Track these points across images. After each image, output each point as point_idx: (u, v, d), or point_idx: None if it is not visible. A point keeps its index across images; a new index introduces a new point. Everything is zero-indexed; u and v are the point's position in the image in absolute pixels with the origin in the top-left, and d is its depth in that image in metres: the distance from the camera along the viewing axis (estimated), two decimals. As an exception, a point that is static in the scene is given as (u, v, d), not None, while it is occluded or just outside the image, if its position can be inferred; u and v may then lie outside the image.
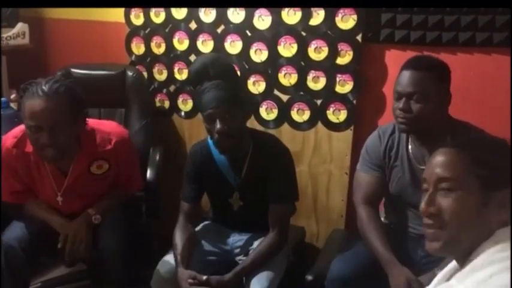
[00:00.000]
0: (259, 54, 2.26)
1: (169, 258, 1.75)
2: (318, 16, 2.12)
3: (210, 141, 1.74)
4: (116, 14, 2.52)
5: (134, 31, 2.51)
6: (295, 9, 2.14)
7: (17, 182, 1.82)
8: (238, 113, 1.64)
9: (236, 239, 1.86)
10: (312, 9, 2.11)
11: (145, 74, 2.53)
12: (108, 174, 1.85)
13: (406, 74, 1.55)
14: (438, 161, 0.97)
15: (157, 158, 2.25)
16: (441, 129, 1.57)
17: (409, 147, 1.66)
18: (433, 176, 0.97)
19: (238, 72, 2.22)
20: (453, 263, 1.02)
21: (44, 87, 1.59)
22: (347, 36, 2.09)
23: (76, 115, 1.66)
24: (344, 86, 2.15)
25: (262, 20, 2.21)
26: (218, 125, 1.59)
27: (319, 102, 2.22)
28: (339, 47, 2.12)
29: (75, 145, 1.74)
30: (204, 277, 1.60)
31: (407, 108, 1.53)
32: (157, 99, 2.54)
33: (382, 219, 1.80)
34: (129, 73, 2.34)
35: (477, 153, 0.94)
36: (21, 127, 1.73)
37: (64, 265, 1.82)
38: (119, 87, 2.32)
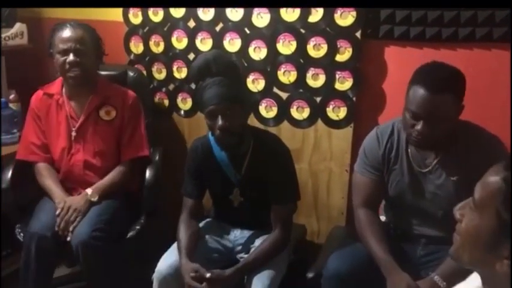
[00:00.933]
0: (258, 52, 2.25)
1: (171, 254, 1.75)
2: (316, 13, 2.11)
3: (210, 137, 1.74)
4: (114, 13, 2.51)
5: (133, 30, 2.50)
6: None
7: (36, 131, 2.05)
8: (240, 110, 1.64)
9: (238, 237, 1.86)
10: (311, 6, 2.11)
11: (144, 73, 2.52)
12: (114, 123, 2.05)
13: (425, 96, 1.43)
14: (485, 180, 0.90)
15: (157, 157, 2.25)
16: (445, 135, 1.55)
17: (409, 150, 1.64)
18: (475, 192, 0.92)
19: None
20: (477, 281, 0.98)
21: (72, 23, 1.99)
22: (346, 33, 2.09)
23: (96, 49, 2.03)
24: (343, 83, 2.15)
25: (261, 17, 2.21)
26: (220, 122, 1.60)
27: (318, 99, 2.21)
28: (338, 43, 2.11)
29: (93, 81, 2.05)
30: (208, 275, 1.59)
31: (426, 130, 1.46)
32: (156, 98, 2.54)
33: (382, 218, 1.80)
34: (130, 73, 2.34)
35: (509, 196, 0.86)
36: (52, 82, 2.09)
37: (62, 237, 1.87)
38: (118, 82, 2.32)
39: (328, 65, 2.15)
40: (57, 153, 2.04)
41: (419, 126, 1.47)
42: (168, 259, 1.73)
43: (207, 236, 1.84)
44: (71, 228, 1.84)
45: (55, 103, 2.05)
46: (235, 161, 1.76)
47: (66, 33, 1.95)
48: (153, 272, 1.72)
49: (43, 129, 2.06)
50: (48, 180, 2.00)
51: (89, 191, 1.95)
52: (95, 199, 1.93)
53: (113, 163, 2.06)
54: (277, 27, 2.19)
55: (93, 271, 1.86)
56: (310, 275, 1.77)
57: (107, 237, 1.84)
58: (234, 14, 2.25)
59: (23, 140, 2.09)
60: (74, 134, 2.02)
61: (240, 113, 1.65)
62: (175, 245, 1.77)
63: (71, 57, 1.93)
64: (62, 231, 1.85)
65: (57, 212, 1.86)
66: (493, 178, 0.87)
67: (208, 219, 1.95)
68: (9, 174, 2.07)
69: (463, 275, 1.07)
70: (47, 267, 1.90)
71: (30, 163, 2.05)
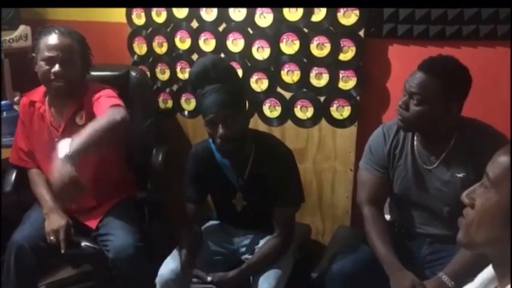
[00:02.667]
0: (261, 51, 2.25)
1: (173, 258, 1.75)
2: (319, 12, 2.11)
3: (211, 143, 1.72)
4: (118, 15, 2.51)
5: (136, 31, 2.51)
6: (297, 5, 2.13)
7: (24, 138, 1.99)
8: (240, 116, 1.62)
9: (242, 238, 1.86)
10: (314, 5, 2.11)
11: (148, 73, 2.53)
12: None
13: (417, 74, 1.52)
14: (497, 159, 0.95)
15: (160, 158, 2.24)
16: (447, 128, 1.55)
17: (415, 146, 1.64)
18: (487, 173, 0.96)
19: (240, 73, 2.23)
20: (488, 272, 1.01)
21: (62, 29, 1.85)
22: (349, 31, 2.08)
23: (84, 59, 1.91)
24: (347, 82, 2.14)
25: (264, 17, 2.21)
26: (220, 130, 1.57)
27: (322, 98, 2.21)
28: (341, 43, 2.10)
29: (78, 90, 1.91)
30: (209, 278, 1.59)
31: (405, 106, 1.52)
32: (160, 99, 2.54)
33: (387, 217, 1.79)
34: (133, 73, 2.33)
35: None
36: (35, 90, 1.98)
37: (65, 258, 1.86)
38: (122, 87, 2.30)
39: (332, 64, 2.14)
40: (42, 161, 1.97)
41: (400, 101, 1.54)
42: (171, 264, 1.72)
43: (210, 239, 1.84)
44: (61, 237, 1.80)
45: (37, 111, 1.96)
46: (238, 165, 1.74)
47: (54, 39, 1.82)
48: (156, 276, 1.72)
49: (28, 136, 2.00)
50: (39, 188, 1.95)
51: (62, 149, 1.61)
52: (73, 149, 1.61)
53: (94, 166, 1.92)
54: (280, 26, 2.19)
55: (129, 282, 1.81)
56: (314, 274, 1.77)
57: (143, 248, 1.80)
58: (237, 14, 2.25)
59: (14, 145, 2.06)
60: (57, 141, 1.78)
61: (240, 119, 1.62)
62: (175, 252, 1.77)
63: (56, 67, 1.80)
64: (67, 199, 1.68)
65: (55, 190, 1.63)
66: (506, 156, 0.92)
67: (211, 222, 1.95)
68: (14, 175, 2.07)
69: (472, 274, 1.08)
70: (27, 278, 1.83)
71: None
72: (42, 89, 1.97)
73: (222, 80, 1.60)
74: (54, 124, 1.94)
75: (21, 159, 2.02)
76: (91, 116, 1.83)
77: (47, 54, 1.81)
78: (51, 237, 1.81)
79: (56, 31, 1.84)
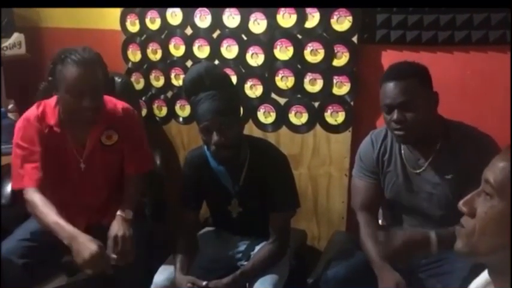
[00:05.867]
0: (255, 58, 2.26)
1: (168, 266, 1.74)
2: (313, 18, 2.12)
3: (206, 149, 1.72)
4: (112, 22, 2.52)
5: (130, 38, 2.51)
6: (291, 12, 2.14)
7: (32, 160, 1.75)
8: (235, 123, 1.62)
9: (238, 245, 1.86)
10: (307, 11, 2.12)
11: (142, 80, 2.53)
12: (118, 147, 1.87)
13: (391, 85, 1.52)
14: (497, 166, 0.91)
15: (158, 162, 2.24)
16: (433, 131, 1.57)
17: (402, 151, 1.65)
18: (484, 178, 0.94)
19: (234, 80, 2.24)
20: (483, 277, 1.00)
21: (82, 54, 1.69)
22: (343, 37, 2.09)
23: (105, 81, 1.78)
24: (341, 87, 2.15)
25: (258, 23, 2.22)
26: (215, 137, 1.57)
27: (316, 104, 2.22)
28: (335, 48, 2.12)
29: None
30: (204, 283, 1.59)
31: (402, 118, 1.51)
32: (155, 106, 2.54)
33: (380, 221, 1.80)
34: (117, 79, 2.33)
35: None
36: (38, 105, 1.82)
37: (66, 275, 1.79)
38: (107, 94, 2.30)
39: (326, 70, 2.15)
40: (54, 185, 1.81)
41: (394, 116, 1.52)
42: (165, 272, 1.72)
43: (206, 246, 1.83)
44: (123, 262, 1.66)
45: (52, 133, 1.79)
46: (233, 172, 1.74)
47: (80, 71, 1.66)
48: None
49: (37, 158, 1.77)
50: (50, 215, 1.64)
51: (121, 213, 1.76)
52: (130, 217, 1.77)
53: (116, 185, 1.94)
54: (274, 33, 2.20)
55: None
56: (310, 280, 1.77)
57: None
58: (231, 20, 2.26)
59: (15, 171, 1.79)
60: (82, 165, 1.83)
61: (234, 126, 1.62)
62: (170, 258, 1.76)
63: (87, 102, 1.68)
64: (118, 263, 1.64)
65: (108, 250, 1.63)
66: (505, 162, 0.89)
67: (207, 229, 1.95)
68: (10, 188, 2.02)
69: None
70: None
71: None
72: (51, 109, 1.81)
73: (216, 87, 1.59)
74: (77, 147, 1.82)
75: (27, 180, 1.76)
76: (122, 140, 1.87)
77: (73, 86, 1.67)
78: (89, 271, 1.56)
79: (79, 58, 1.67)
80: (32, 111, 1.81)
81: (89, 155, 1.83)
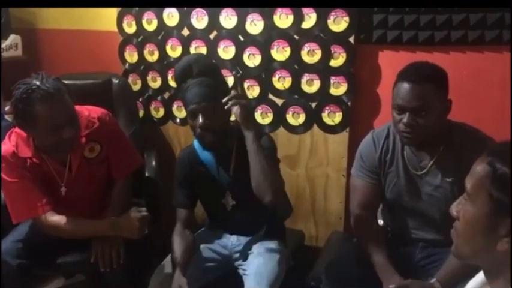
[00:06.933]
0: (252, 58, 2.26)
1: (163, 269, 1.75)
2: (310, 19, 2.12)
3: (196, 145, 1.75)
4: (108, 23, 2.52)
5: (127, 39, 2.51)
6: (287, 12, 2.14)
7: (29, 188, 1.75)
8: (221, 108, 1.65)
9: (235, 244, 1.85)
10: (304, 12, 2.12)
11: (139, 82, 2.53)
12: (102, 158, 1.86)
13: (407, 87, 1.47)
14: (472, 171, 0.94)
15: (154, 163, 2.24)
16: (437, 133, 1.56)
17: (405, 152, 1.64)
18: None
19: (232, 81, 2.23)
20: (480, 277, 1.01)
21: (46, 89, 1.57)
22: (339, 38, 2.10)
23: (71, 97, 1.68)
24: (338, 88, 2.15)
25: (255, 24, 2.22)
26: (200, 120, 1.62)
27: (314, 105, 2.22)
28: (331, 49, 2.12)
29: None
30: None
31: (412, 122, 1.48)
32: (152, 107, 2.54)
33: (380, 222, 1.80)
34: (115, 81, 2.33)
35: (499, 175, 0.88)
36: (9, 136, 1.77)
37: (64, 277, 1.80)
38: (105, 95, 2.30)
39: (323, 70, 2.16)
40: (49, 193, 1.80)
41: (405, 119, 1.49)
42: (160, 276, 1.73)
43: (202, 246, 1.83)
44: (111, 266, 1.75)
45: (30, 165, 1.74)
46: (222, 162, 1.76)
47: (51, 107, 1.57)
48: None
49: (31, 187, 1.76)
50: (83, 222, 1.78)
51: (110, 220, 1.78)
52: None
53: (106, 190, 1.95)
54: (271, 33, 2.20)
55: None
56: (308, 281, 1.76)
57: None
58: (228, 21, 2.26)
59: (12, 203, 1.77)
60: (63, 189, 1.80)
61: (221, 112, 1.65)
62: (167, 259, 1.76)
63: (67, 132, 1.63)
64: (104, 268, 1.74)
65: (92, 259, 1.75)
66: (480, 166, 0.91)
67: (203, 229, 1.95)
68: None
69: (463, 279, 1.08)
70: None
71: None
72: (25, 140, 1.74)
73: (204, 75, 1.64)
74: (59, 168, 1.79)
75: (32, 208, 1.75)
76: (105, 149, 1.86)
77: (49, 123, 1.59)
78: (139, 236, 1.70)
79: (43, 94, 1.56)
80: (7, 148, 1.75)
81: (72, 175, 1.79)
